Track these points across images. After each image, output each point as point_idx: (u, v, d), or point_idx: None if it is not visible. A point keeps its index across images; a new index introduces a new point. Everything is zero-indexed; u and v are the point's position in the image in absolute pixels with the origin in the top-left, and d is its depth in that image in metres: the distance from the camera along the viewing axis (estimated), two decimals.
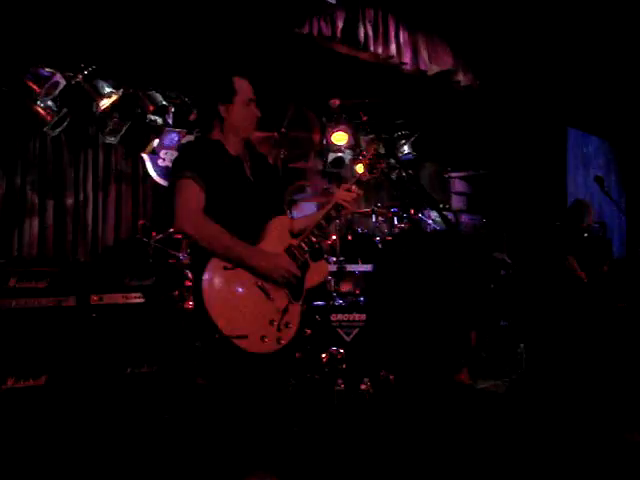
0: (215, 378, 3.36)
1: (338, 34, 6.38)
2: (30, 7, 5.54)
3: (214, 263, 3.13)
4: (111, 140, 6.90)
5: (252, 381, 3.23)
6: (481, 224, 8.18)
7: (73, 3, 5.51)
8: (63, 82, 6.38)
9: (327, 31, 6.31)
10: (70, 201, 6.92)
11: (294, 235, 3.47)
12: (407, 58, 7.05)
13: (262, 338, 3.15)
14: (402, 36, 6.99)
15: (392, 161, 8.21)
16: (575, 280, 6.72)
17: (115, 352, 5.19)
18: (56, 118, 6.44)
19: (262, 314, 3.18)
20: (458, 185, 9.86)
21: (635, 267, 7.26)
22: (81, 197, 7.00)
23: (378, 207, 6.23)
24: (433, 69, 7.41)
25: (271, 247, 3.28)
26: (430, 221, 5.99)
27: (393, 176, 8.84)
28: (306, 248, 3.38)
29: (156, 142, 7.12)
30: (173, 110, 7.11)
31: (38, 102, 6.31)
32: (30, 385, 4.86)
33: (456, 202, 9.63)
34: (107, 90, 6.59)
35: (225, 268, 3.13)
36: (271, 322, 3.20)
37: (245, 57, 6.67)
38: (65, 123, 6.55)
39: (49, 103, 6.38)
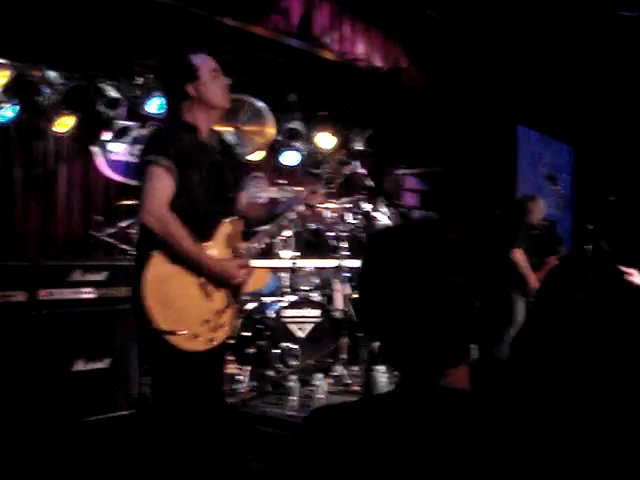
0: (153, 368, 3.41)
1: (293, 29, 6.36)
2: None
3: (160, 256, 3.13)
4: (60, 132, 6.79)
5: (182, 376, 3.23)
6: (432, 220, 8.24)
7: None
8: (12, 72, 6.27)
9: (282, 26, 6.28)
10: (19, 194, 6.79)
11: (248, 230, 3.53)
12: (361, 55, 7.07)
13: (194, 336, 3.17)
14: (357, 32, 7.00)
15: (344, 157, 8.27)
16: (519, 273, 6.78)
17: (64, 348, 5.11)
18: (5, 109, 6.32)
19: (198, 313, 3.22)
20: (410, 182, 9.92)
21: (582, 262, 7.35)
22: (30, 191, 6.87)
23: (331, 202, 6.23)
24: (387, 66, 7.44)
25: (218, 247, 3.32)
26: (383, 217, 6.01)
27: (346, 172, 8.86)
28: (252, 252, 3.46)
29: (107, 135, 7.02)
30: (125, 103, 7.01)
31: None
32: None
33: (409, 199, 9.69)
34: (59, 81, 6.48)
35: (170, 263, 3.14)
36: (206, 322, 3.23)
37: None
38: (14, 114, 6.43)
39: None
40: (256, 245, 3.50)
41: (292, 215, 3.65)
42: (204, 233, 3.28)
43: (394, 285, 1.38)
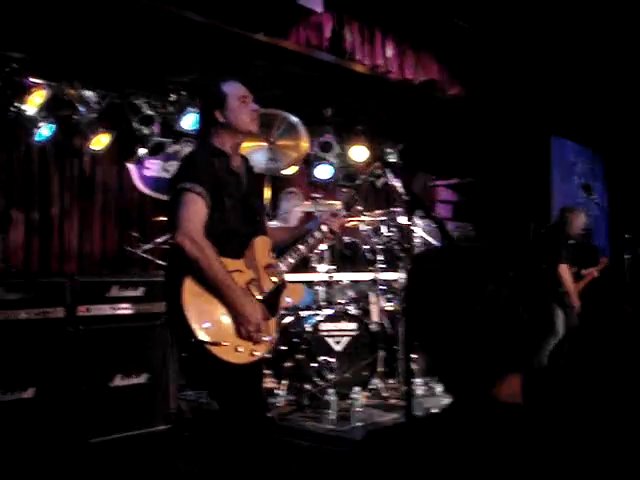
0: (204, 382, 3.58)
1: (325, 43, 6.37)
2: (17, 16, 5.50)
3: (191, 278, 3.22)
4: (96, 150, 6.86)
5: (227, 387, 3.31)
6: (468, 232, 8.20)
7: (67, 13, 5.45)
8: (49, 92, 6.36)
9: (314, 40, 6.30)
10: (56, 212, 6.87)
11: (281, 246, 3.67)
12: (393, 67, 7.06)
13: (236, 348, 3.25)
14: (388, 45, 7.00)
15: (377, 170, 8.27)
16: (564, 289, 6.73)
17: (102, 363, 5.14)
18: (42, 128, 6.41)
19: (237, 326, 3.27)
20: (443, 193, 9.89)
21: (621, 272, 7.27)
22: (67, 208, 6.95)
23: (366, 215, 6.23)
24: (419, 78, 7.43)
25: (250, 265, 3.42)
26: (418, 230, 5.98)
27: (379, 184, 8.86)
28: (288, 266, 3.58)
29: (141, 151, 7.09)
30: (159, 120, 7.08)
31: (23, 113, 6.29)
32: (18, 398, 4.81)
33: (441, 210, 9.66)
34: (94, 99, 6.56)
35: (201, 284, 3.22)
36: (245, 335, 3.28)
37: (234, 67, 6.70)
38: (51, 133, 6.52)
39: (34, 113, 6.35)
40: (287, 263, 3.60)
41: (317, 235, 3.74)
42: (237, 252, 3.39)
43: (443, 301, 1.38)
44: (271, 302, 3.49)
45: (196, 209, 3.23)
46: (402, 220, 5.92)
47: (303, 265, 5.81)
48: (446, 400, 1.45)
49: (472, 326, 1.35)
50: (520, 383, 1.40)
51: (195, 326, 3.17)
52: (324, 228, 3.75)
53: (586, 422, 1.31)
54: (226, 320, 3.27)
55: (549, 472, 1.25)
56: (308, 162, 8.12)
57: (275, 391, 5.42)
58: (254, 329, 3.29)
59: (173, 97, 7.21)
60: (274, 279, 3.52)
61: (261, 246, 3.52)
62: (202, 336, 3.17)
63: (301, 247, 3.70)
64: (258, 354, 3.35)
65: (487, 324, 1.35)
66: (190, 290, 3.21)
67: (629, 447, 1.30)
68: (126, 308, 5.28)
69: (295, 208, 6.48)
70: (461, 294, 1.36)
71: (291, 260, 3.64)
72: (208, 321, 3.21)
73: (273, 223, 6.29)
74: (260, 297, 3.43)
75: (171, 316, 3.29)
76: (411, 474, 1.31)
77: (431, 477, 1.30)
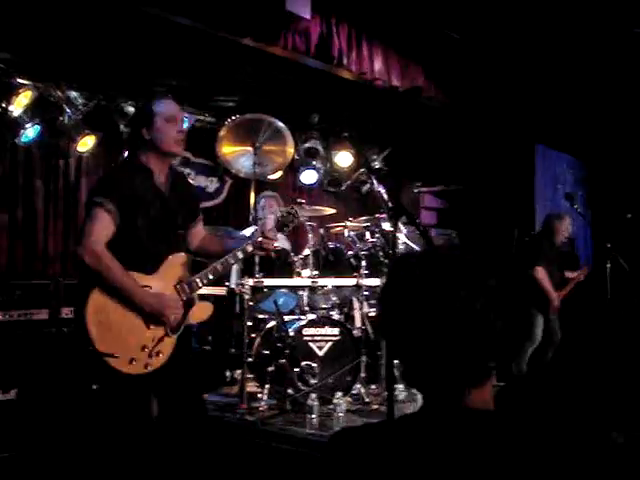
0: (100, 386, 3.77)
1: (312, 49, 6.40)
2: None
3: (99, 289, 3.37)
4: (82, 152, 6.86)
5: (118, 395, 3.50)
6: (452, 239, 8.24)
7: (54, 14, 5.45)
8: (35, 93, 6.35)
9: (301, 46, 6.33)
10: (40, 214, 6.86)
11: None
12: (379, 74, 7.09)
13: (131, 360, 3.40)
14: (375, 52, 7.03)
15: (363, 176, 8.32)
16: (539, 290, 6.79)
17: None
18: (28, 129, 6.40)
19: (137, 339, 3.44)
20: (428, 200, 9.94)
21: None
22: (52, 209, 6.95)
23: (350, 221, 6.26)
24: (404, 85, 7.46)
25: (162, 281, 3.54)
26: (401, 236, 6.01)
27: (363, 190, 8.91)
28: (200, 285, 3.69)
29: (127, 154, 7.08)
30: None
31: (9, 114, 6.29)
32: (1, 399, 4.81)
33: (426, 217, 9.70)
34: (80, 101, 6.56)
35: (109, 295, 3.38)
36: (143, 348, 3.45)
37: (221, 71, 6.73)
38: (36, 134, 6.52)
39: (20, 114, 6.34)
40: (198, 280, 3.69)
41: (240, 255, 3.85)
42: (148, 268, 3.51)
43: (416, 306, 1.40)
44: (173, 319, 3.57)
45: (101, 224, 3.38)
46: (386, 226, 5.95)
47: (287, 270, 5.84)
48: None
49: (443, 332, 1.37)
50: (491, 390, 1.42)
51: (93, 336, 3.30)
52: (249, 248, 3.84)
53: (556, 430, 1.34)
54: (126, 331, 3.41)
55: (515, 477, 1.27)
56: (294, 167, 8.15)
57: (258, 395, 5.43)
58: (169, 316, 3.48)
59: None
60: (182, 297, 3.61)
61: (174, 264, 3.62)
62: (98, 346, 3.31)
63: (218, 266, 3.78)
64: (151, 368, 3.48)
65: (458, 331, 1.37)
66: (95, 300, 3.35)
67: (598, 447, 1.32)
68: None
69: (273, 213, 6.47)
70: (434, 300, 1.38)
71: (206, 278, 3.72)
72: (107, 332, 3.34)
73: (251, 228, 6.28)
74: None
75: (75, 324, 3.46)
76: (375, 474, 1.34)
77: (394, 478, 1.32)
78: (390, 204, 5.52)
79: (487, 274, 1.44)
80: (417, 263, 1.47)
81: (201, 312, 3.86)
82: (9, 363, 4.88)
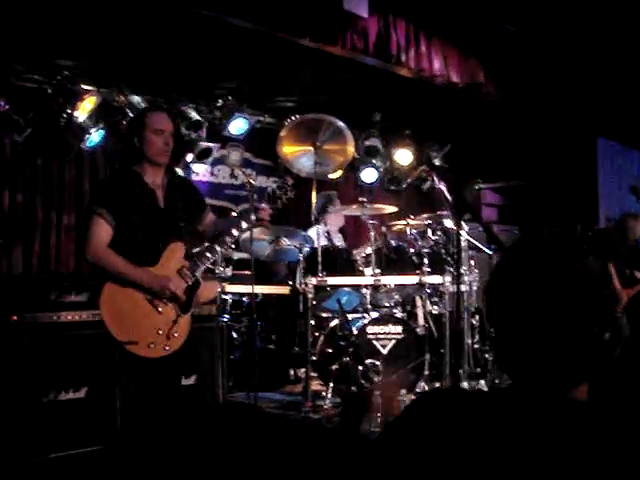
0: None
1: (370, 48, 6.40)
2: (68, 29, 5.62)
3: (110, 283, 3.68)
4: None
5: (144, 380, 3.75)
6: (514, 235, 8.16)
7: (116, 21, 5.56)
8: (99, 98, 6.48)
9: (360, 45, 6.34)
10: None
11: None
12: (438, 71, 7.06)
13: (149, 345, 3.68)
14: (433, 49, 7.01)
15: (423, 173, 8.27)
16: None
17: None
18: (92, 134, 6.53)
19: (151, 324, 3.71)
20: (489, 197, 9.85)
21: None
22: None
23: (412, 219, 6.23)
24: (464, 81, 7.41)
25: (164, 269, 3.79)
26: (464, 234, 5.96)
27: (424, 187, 8.87)
28: (200, 265, 3.91)
29: (189, 157, 7.18)
30: (206, 125, 7.17)
31: (74, 119, 6.42)
32: (71, 398, 4.92)
33: (487, 214, 9.62)
34: (142, 105, 6.66)
35: (119, 286, 3.68)
36: (158, 331, 3.71)
37: (280, 72, 6.77)
38: (100, 139, 6.64)
39: (85, 119, 6.47)
40: (198, 261, 3.91)
41: (235, 232, 4.02)
42: (149, 259, 3.77)
43: (549, 292, 1.39)
44: (183, 301, 3.82)
45: (96, 230, 3.70)
46: (448, 224, 5.92)
47: (350, 268, 5.85)
48: None
49: (574, 322, 1.37)
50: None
51: (111, 327, 3.62)
52: (243, 224, 4.03)
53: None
54: (139, 318, 3.68)
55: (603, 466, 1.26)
56: (354, 166, 8.15)
57: (322, 393, 5.46)
58: (169, 293, 3.71)
59: (220, 102, 7.31)
60: (187, 280, 3.83)
61: (173, 252, 3.85)
62: (117, 335, 3.61)
63: (216, 245, 3.97)
64: (169, 349, 3.74)
65: (574, 340, 1.36)
66: (108, 295, 3.68)
67: None
68: None
69: (334, 211, 6.49)
70: (568, 289, 1.38)
71: (205, 257, 3.93)
72: (122, 321, 3.64)
73: (314, 228, 6.31)
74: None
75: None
76: (456, 437, 1.34)
77: (475, 444, 1.32)
78: (452, 201, 5.51)
79: (601, 284, 1.44)
80: (526, 258, 1.46)
81: (209, 291, 4.23)
82: (79, 362, 4.98)
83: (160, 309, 3.76)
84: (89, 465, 4.84)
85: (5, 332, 4.75)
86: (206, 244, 4.05)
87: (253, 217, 4.07)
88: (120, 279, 3.68)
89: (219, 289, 4.20)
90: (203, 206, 4.25)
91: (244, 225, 4.05)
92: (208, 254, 3.96)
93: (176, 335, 3.79)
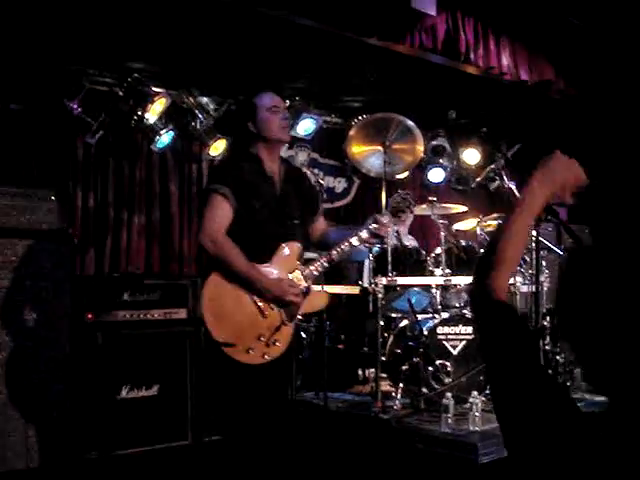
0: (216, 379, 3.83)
1: (439, 46, 6.34)
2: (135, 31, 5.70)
3: (217, 275, 3.44)
4: (213, 156, 7.02)
5: (239, 386, 3.54)
6: (585, 235, 8.01)
7: (184, 23, 5.62)
8: (168, 100, 6.55)
9: (428, 43, 6.29)
10: (176, 215, 7.07)
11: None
12: (507, 68, 6.97)
13: (248, 350, 3.44)
14: (502, 46, 6.92)
15: (492, 173, 8.17)
16: None
17: None
18: (162, 135, 6.61)
19: (253, 329, 3.48)
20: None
21: None
22: (186, 212, 7.14)
23: (481, 219, 6.17)
24: (533, 79, 7.30)
25: (277, 270, 3.56)
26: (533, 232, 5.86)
27: (492, 187, 8.76)
28: (315, 273, 3.70)
29: None
30: None
31: (145, 120, 6.50)
32: (144, 395, 4.99)
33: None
34: (211, 106, 6.72)
35: (227, 281, 3.44)
36: (259, 337, 3.46)
37: (349, 73, 6.76)
38: (170, 140, 6.71)
39: (155, 121, 6.55)
40: (314, 269, 3.71)
41: (355, 241, 3.81)
42: (263, 255, 3.55)
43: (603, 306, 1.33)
44: (289, 308, 3.60)
45: (219, 211, 3.47)
46: None
47: (419, 268, 5.80)
48: None
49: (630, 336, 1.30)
50: None
51: (210, 324, 3.40)
52: (363, 235, 3.81)
53: None
54: (243, 320, 3.45)
55: None
56: (420, 166, 8.10)
57: (391, 394, 5.42)
58: (291, 297, 3.50)
59: (287, 103, 7.32)
60: (300, 286, 3.62)
61: (289, 252, 3.65)
62: (215, 334, 3.39)
63: (334, 253, 3.76)
64: (269, 357, 3.51)
65: None
66: (212, 288, 3.44)
67: None
68: None
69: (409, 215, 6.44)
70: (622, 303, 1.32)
71: (322, 266, 3.74)
72: (223, 320, 3.41)
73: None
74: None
75: (198, 314, 3.54)
76: None
77: None
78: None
79: None
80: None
81: (317, 301, 3.88)
82: (152, 360, 5.06)
83: (266, 313, 3.53)
84: (159, 462, 4.91)
85: (80, 331, 4.86)
86: (327, 252, 3.80)
87: (373, 226, 3.84)
88: (230, 273, 3.44)
89: (325, 302, 3.98)
90: (317, 207, 4.04)
91: (364, 236, 3.83)
92: (325, 262, 3.75)
93: (278, 344, 3.54)
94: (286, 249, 3.64)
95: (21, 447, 4.49)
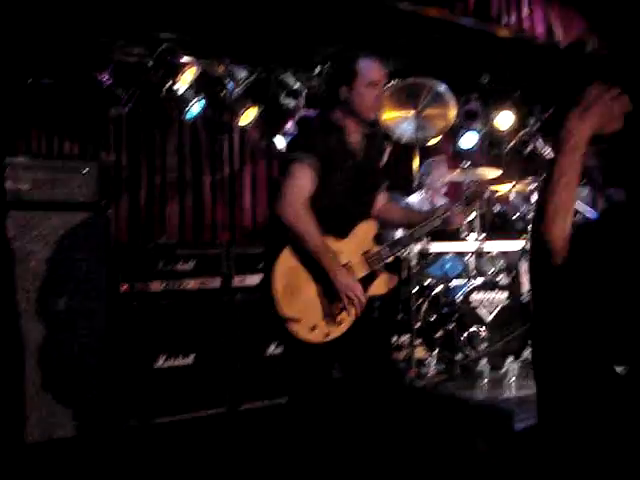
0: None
1: (470, 8, 6.24)
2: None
3: (290, 250, 3.29)
4: (244, 125, 7.00)
5: (300, 363, 3.43)
6: (620, 198, 7.90)
7: None
8: (198, 69, 6.53)
9: (459, 6, 6.19)
10: (208, 185, 7.09)
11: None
12: (540, 29, 6.85)
13: (313, 328, 3.31)
14: (535, 7, 6.79)
15: (526, 136, 8.07)
16: None
17: (256, 332, 5.32)
18: (193, 105, 6.60)
19: (320, 307, 3.33)
20: (589, 159, 9.56)
21: None
22: (218, 181, 7.16)
23: (515, 183, 6.09)
24: (567, 40, 7.17)
25: (351, 248, 3.42)
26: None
27: (526, 151, 8.65)
28: (384, 257, 3.53)
29: (289, 124, 7.19)
30: (305, 92, 7.14)
31: (175, 90, 6.49)
32: (180, 364, 5.05)
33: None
34: (242, 75, 6.69)
35: (298, 257, 3.29)
36: (325, 316, 3.34)
37: (380, 37, 6.67)
38: (201, 110, 6.70)
39: (185, 91, 6.53)
40: (384, 252, 3.55)
41: (427, 229, 3.68)
42: (340, 231, 3.40)
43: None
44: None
45: (303, 182, 3.27)
46: None
47: (453, 235, 5.77)
48: None
49: None
50: None
51: (278, 299, 3.25)
52: (437, 222, 3.66)
53: None
54: (311, 297, 3.33)
55: None
56: (452, 131, 8.01)
57: (426, 361, 5.42)
58: (349, 297, 3.30)
59: (318, 69, 7.27)
60: (368, 267, 3.48)
61: (365, 231, 3.52)
62: (282, 309, 3.26)
63: (404, 239, 3.68)
64: (331, 337, 3.37)
65: None
66: (285, 262, 3.29)
67: None
68: None
69: (441, 177, 6.40)
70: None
71: (392, 251, 3.61)
72: (292, 296, 3.28)
73: (417, 194, 6.26)
74: None
75: (263, 287, 3.34)
76: None
77: None
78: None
79: None
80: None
81: (385, 284, 3.67)
82: (188, 329, 5.10)
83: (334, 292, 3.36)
84: (197, 430, 4.97)
85: (116, 301, 4.91)
86: (399, 237, 3.71)
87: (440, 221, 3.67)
88: (302, 248, 3.27)
89: (394, 285, 3.78)
90: (384, 178, 3.82)
91: (437, 223, 3.66)
92: (396, 247, 3.63)
93: (342, 324, 3.38)
94: (361, 228, 3.50)
95: (62, 416, 4.58)
